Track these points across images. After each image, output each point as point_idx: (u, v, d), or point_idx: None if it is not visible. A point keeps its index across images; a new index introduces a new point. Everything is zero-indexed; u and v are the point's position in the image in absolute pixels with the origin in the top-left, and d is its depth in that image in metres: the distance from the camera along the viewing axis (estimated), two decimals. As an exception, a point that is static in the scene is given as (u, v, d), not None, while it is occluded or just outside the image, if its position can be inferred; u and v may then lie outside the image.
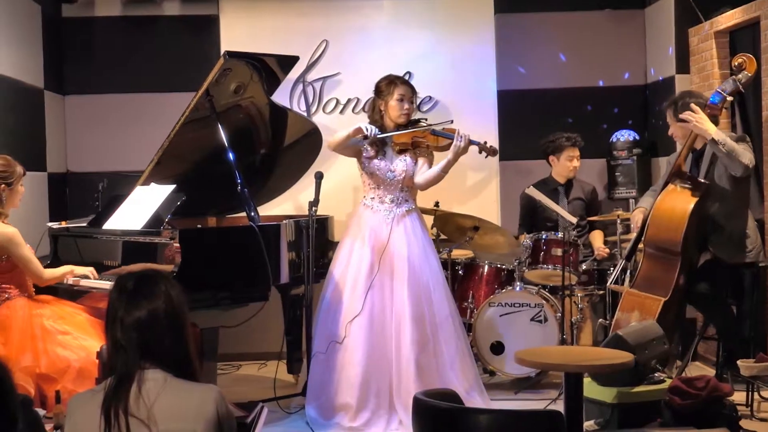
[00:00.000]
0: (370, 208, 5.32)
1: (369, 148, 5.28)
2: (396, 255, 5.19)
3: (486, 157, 5.20)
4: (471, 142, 5.08)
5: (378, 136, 5.20)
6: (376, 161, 5.30)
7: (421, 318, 5.13)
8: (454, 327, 5.21)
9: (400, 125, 5.28)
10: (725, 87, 5.17)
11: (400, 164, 5.28)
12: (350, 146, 5.31)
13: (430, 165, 5.28)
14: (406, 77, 6.73)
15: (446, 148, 5.19)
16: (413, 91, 5.39)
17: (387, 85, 5.34)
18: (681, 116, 5.17)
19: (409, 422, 4.87)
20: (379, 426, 5.00)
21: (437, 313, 5.17)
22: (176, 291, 2.50)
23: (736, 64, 5.19)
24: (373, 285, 5.14)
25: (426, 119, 5.48)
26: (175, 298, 2.49)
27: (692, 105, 5.15)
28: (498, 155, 5.45)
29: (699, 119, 5.07)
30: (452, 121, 5.33)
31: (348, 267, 5.25)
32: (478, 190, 6.98)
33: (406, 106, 5.29)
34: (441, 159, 5.20)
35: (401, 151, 5.28)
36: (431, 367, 5.09)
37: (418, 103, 6.60)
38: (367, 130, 5.15)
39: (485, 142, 5.12)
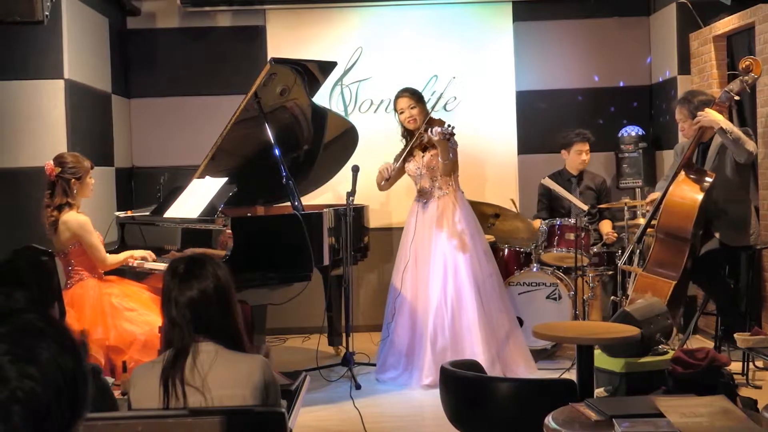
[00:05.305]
0: (414, 202, 5.45)
1: (399, 161, 5.40)
2: (421, 241, 5.29)
3: (447, 138, 5.07)
4: (442, 132, 5.01)
5: (394, 168, 5.36)
6: (407, 165, 5.42)
7: (437, 299, 5.17)
8: (474, 304, 5.15)
9: (410, 130, 5.39)
10: (733, 87, 5.02)
11: (423, 161, 5.36)
12: (396, 174, 5.43)
13: (444, 150, 5.18)
14: (432, 81, 6.71)
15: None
16: (411, 98, 5.39)
17: (394, 102, 5.52)
18: (695, 121, 5.06)
19: (418, 386, 4.96)
20: (402, 381, 5.16)
21: (457, 292, 5.17)
22: (223, 272, 2.48)
23: (744, 66, 5.01)
24: (407, 269, 5.29)
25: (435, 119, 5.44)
26: (223, 278, 2.46)
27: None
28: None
29: (706, 114, 4.95)
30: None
31: (398, 258, 5.44)
32: (499, 181, 6.89)
33: (407, 114, 5.37)
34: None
35: (423, 150, 5.37)
36: (441, 342, 5.11)
37: (443, 104, 6.54)
38: (387, 171, 5.35)
39: (448, 125, 5.02)
